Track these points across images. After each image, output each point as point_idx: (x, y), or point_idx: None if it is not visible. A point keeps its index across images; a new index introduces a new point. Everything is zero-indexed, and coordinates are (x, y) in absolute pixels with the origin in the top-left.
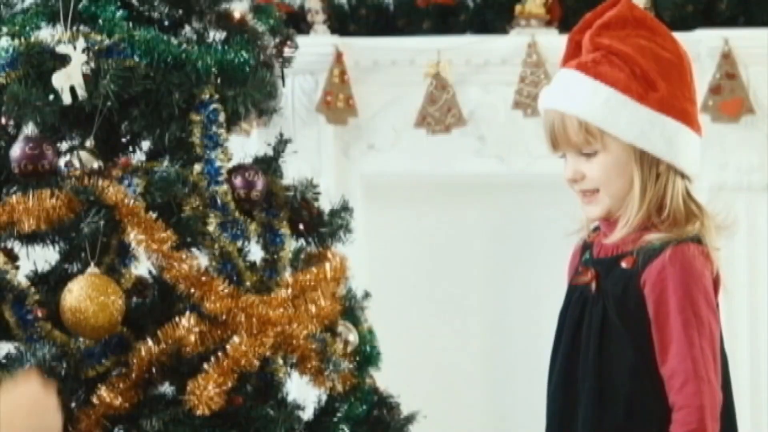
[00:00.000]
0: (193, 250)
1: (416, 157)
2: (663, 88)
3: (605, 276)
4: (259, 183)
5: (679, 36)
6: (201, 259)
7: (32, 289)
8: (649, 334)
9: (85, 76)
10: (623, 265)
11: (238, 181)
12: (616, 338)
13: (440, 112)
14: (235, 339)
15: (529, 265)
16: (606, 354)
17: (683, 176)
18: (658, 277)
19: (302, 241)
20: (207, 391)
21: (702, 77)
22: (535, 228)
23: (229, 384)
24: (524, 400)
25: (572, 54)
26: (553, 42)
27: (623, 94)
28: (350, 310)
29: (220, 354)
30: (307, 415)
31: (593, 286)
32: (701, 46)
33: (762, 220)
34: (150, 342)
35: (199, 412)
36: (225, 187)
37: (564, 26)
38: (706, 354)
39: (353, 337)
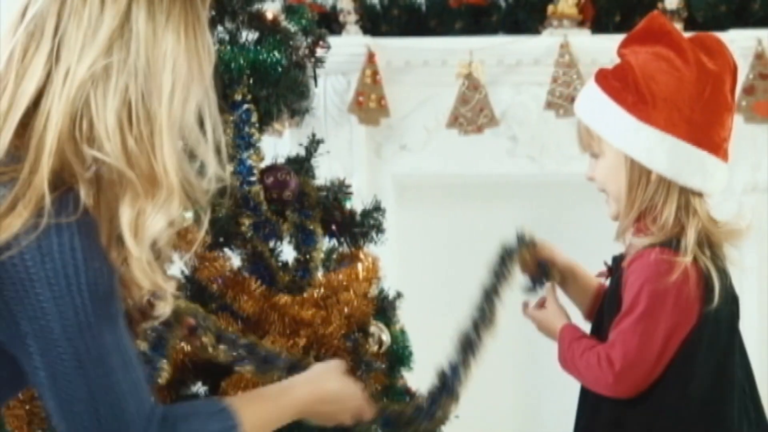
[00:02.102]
0: (226, 250)
1: (448, 158)
2: (655, 102)
3: (614, 274)
4: (292, 183)
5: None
6: (234, 260)
7: None
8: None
9: None
10: (623, 264)
11: (270, 181)
12: (603, 331)
13: (472, 112)
14: (268, 339)
15: None
16: (602, 336)
17: (688, 190)
18: (628, 275)
19: (334, 241)
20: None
21: None
22: (567, 228)
23: (262, 384)
24: (556, 400)
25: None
26: (586, 42)
27: (616, 103)
28: (382, 310)
29: None
30: None
31: (606, 283)
32: (734, 46)
33: None
34: (183, 342)
35: None
36: (257, 187)
37: (596, 26)
38: (633, 347)
39: (386, 337)
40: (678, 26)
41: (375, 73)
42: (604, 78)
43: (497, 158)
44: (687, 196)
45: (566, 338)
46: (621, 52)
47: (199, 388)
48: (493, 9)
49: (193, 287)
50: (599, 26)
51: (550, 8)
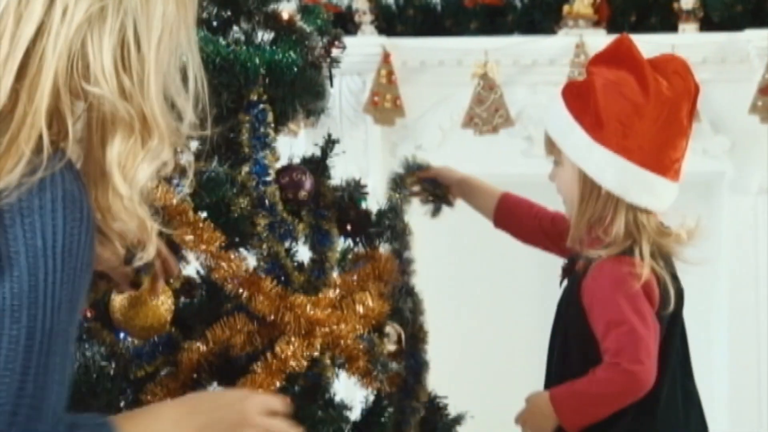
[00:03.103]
0: (241, 250)
1: (463, 158)
2: (609, 125)
3: (568, 277)
4: (307, 183)
5: (728, 36)
6: (249, 260)
7: None
8: (581, 328)
9: None
10: (577, 267)
11: (285, 181)
12: (564, 328)
13: (488, 112)
14: (284, 339)
15: None
16: (561, 342)
17: (635, 207)
18: (589, 287)
19: (350, 241)
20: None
21: (751, 77)
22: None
23: (277, 384)
24: None
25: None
26: (601, 42)
27: (576, 122)
28: (398, 310)
29: (268, 355)
30: (354, 415)
31: (562, 283)
32: (750, 46)
33: None
34: (198, 342)
35: None
36: (273, 187)
37: (612, 26)
38: (621, 343)
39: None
40: (693, 26)
41: (390, 73)
42: (569, 94)
43: (512, 158)
44: (635, 213)
45: (563, 394)
46: (589, 70)
47: (214, 387)
48: (509, 9)
49: (209, 287)
50: (615, 26)
51: (566, 8)
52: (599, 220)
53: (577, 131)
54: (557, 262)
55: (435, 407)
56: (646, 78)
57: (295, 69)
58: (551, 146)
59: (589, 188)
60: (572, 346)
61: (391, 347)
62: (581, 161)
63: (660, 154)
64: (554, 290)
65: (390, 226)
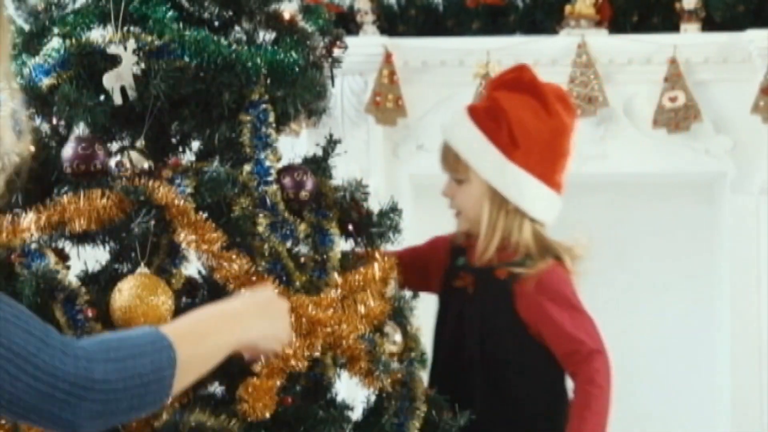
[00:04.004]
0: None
1: None
2: (523, 146)
3: (483, 283)
4: (309, 183)
5: (730, 36)
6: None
7: (83, 289)
8: (516, 329)
9: (135, 76)
10: (497, 275)
11: (287, 181)
12: (492, 332)
13: None
14: None
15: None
16: (487, 344)
17: (532, 219)
18: (536, 289)
19: (351, 241)
20: (258, 398)
21: (753, 77)
22: (582, 228)
23: (279, 384)
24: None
25: (481, 97)
26: (603, 42)
27: (491, 143)
28: (399, 310)
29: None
30: (355, 415)
31: (470, 289)
32: (752, 46)
33: None
34: None
35: (250, 418)
36: (275, 187)
37: (614, 26)
38: (589, 331)
39: (399, 337)
40: (695, 26)
41: (392, 73)
42: (477, 114)
43: None
44: (534, 226)
45: (579, 415)
46: (494, 95)
47: (216, 387)
48: (511, 9)
49: (210, 287)
50: (617, 26)
51: (568, 8)
52: (509, 234)
53: (492, 151)
54: None
55: (436, 407)
56: (549, 104)
57: (297, 69)
58: (455, 164)
59: (497, 204)
60: (506, 350)
61: (391, 347)
62: (494, 179)
63: (557, 173)
64: None
65: (392, 226)
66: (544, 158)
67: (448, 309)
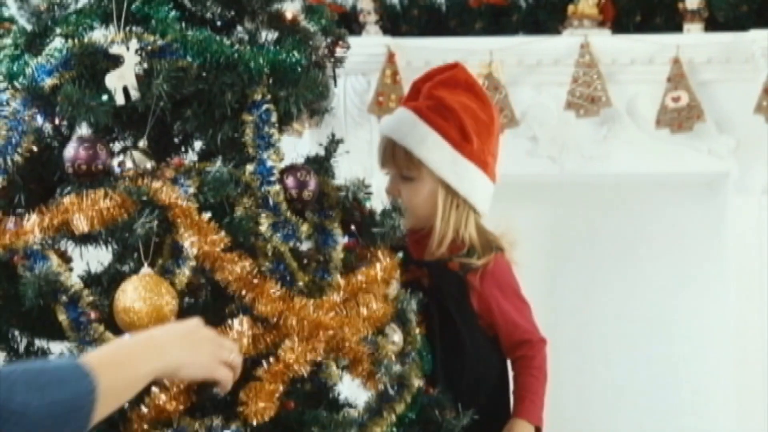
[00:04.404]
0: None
1: None
2: (475, 141)
3: (437, 276)
4: (311, 183)
5: (733, 36)
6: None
7: (86, 291)
8: (471, 319)
9: (138, 76)
10: (450, 267)
11: (289, 181)
12: (451, 322)
13: None
14: (287, 343)
15: (581, 264)
16: (446, 334)
17: (475, 211)
18: (487, 280)
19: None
20: (260, 402)
21: (756, 77)
22: (586, 228)
23: (281, 389)
24: (577, 395)
25: (412, 96)
26: (606, 42)
27: (444, 139)
28: (401, 312)
29: (272, 359)
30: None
31: (425, 281)
32: (755, 46)
33: None
34: None
35: (252, 422)
36: (277, 187)
37: (616, 26)
38: (532, 320)
39: (398, 338)
40: (699, 26)
41: (395, 73)
42: (424, 113)
43: (517, 159)
44: (477, 218)
45: (532, 408)
46: (436, 94)
47: (217, 389)
48: (513, 9)
49: (213, 288)
50: (619, 26)
51: (571, 8)
52: (458, 228)
53: (445, 147)
54: (565, 258)
55: (438, 407)
56: (484, 101)
57: (299, 69)
58: (406, 162)
59: (450, 199)
60: (462, 338)
61: (391, 347)
62: (448, 175)
63: (494, 165)
64: (558, 292)
65: (394, 226)
66: (487, 151)
67: None
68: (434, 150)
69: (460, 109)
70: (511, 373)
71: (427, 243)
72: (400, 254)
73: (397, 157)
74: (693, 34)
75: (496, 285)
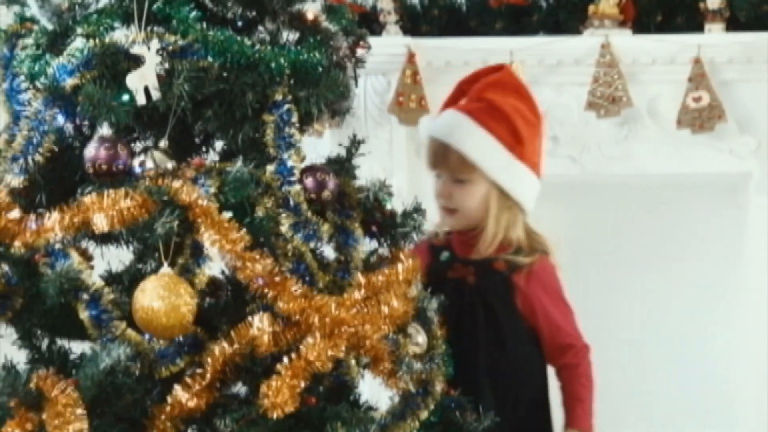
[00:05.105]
0: (266, 250)
1: None
2: (526, 143)
3: (483, 274)
4: (330, 183)
5: (755, 36)
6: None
7: (107, 289)
8: (516, 319)
9: (159, 76)
10: (495, 267)
11: (309, 181)
12: (497, 320)
13: None
14: (309, 340)
15: (601, 264)
16: (493, 332)
17: (523, 212)
18: (533, 282)
19: (374, 242)
20: (280, 395)
21: None
22: (607, 228)
23: (302, 385)
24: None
25: (455, 97)
26: (627, 42)
27: (498, 142)
28: (422, 311)
29: (293, 355)
30: (379, 415)
31: (470, 280)
32: None
33: None
34: (224, 342)
35: (272, 415)
36: (298, 187)
37: (637, 26)
38: (575, 325)
39: (422, 339)
40: (720, 26)
41: (415, 73)
42: (478, 114)
43: None
44: (524, 217)
45: (584, 416)
46: (486, 97)
47: (239, 388)
48: (534, 9)
49: (234, 288)
50: (640, 26)
51: (591, 8)
52: (509, 229)
53: (499, 150)
54: (585, 258)
55: (460, 409)
56: (532, 102)
57: (320, 69)
58: (460, 164)
59: (503, 202)
60: (506, 338)
61: (414, 348)
62: (500, 177)
63: (542, 164)
64: (579, 292)
65: (415, 226)
66: (536, 151)
67: (445, 299)
68: (489, 153)
69: (511, 112)
70: (556, 382)
71: (475, 243)
72: (446, 254)
73: (450, 160)
74: (714, 34)
75: (540, 286)
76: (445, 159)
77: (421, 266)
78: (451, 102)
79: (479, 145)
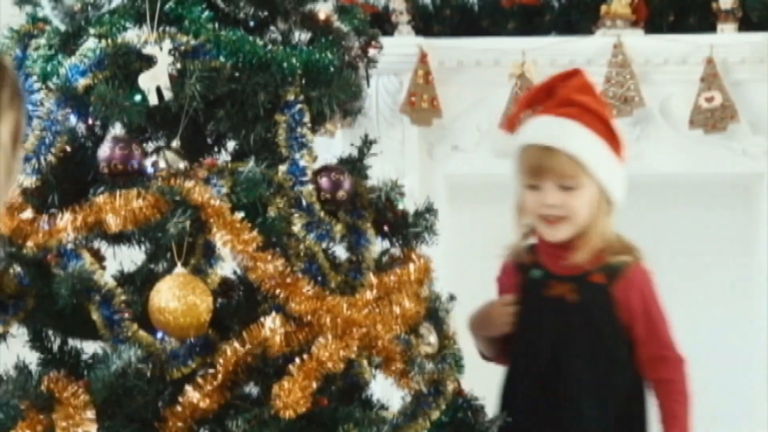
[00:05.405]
0: (278, 250)
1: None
2: (621, 142)
3: (583, 290)
4: (346, 183)
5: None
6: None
7: (119, 290)
8: (619, 334)
9: (171, 76)
10: (594, 280)
11: (324, 181)
12: (601, 339)
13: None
14: (321, 340)
15: None
16: (596, 352)
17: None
18: (633, 290)
19: (386, 242)
20: (292, 395)
21: None
22: (618, 228)
23: (314, 386)
24: None
25: (543, 96)
26: (639, 42)
27: (605, 143)
28: (434, 311)
29: (305, 356)
30: (391, 416)
31: (571, 297)
32: None
33: None
34: (235, 343)
35: (284, 416)
36: (310, 187)
37: (650, 26)
38: (671, 335)
39: (434, 339)
40: (732, 26)
41: (427, 73)
42: (580, 117)
43: None
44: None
45: (678, 426)
46: (578, 100)
47: (251, 388)
48: (546, 9)
49: (246, 288)
50: (653, 26)
51: (604, 8)
52: (605, 231)
53: (608, 153)
54: None
55: (471, 409)
56: (605, 101)
57: (332, 69)
58: (571, 170)
59: (605, 204)
60: (611, 355)
61: (426, 348)
62: (608, 181)
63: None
64: None
65: (427, 227)
66: (622, 146)
67: (541, 319)
68: (598, 154)
69: (606, 113)
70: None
71: (566, 255)
72: (537, 271)
73: (558, 166)
74: (726, 34)
75: (638, 295)
76: (551, 165)
77: (511, 286)
78: (533, 100)
79: (588, 146)
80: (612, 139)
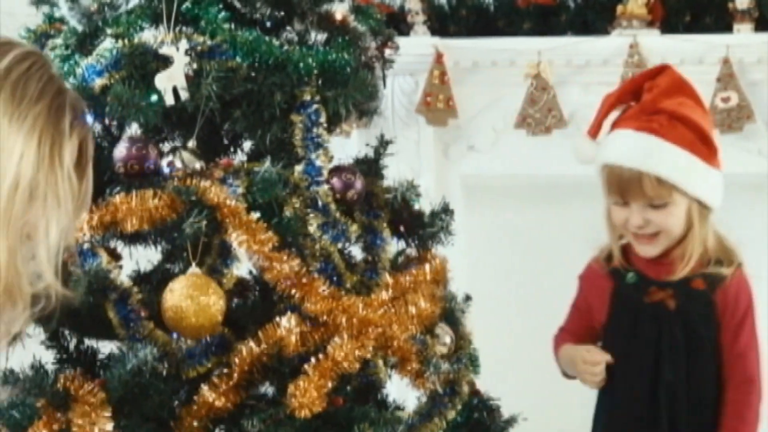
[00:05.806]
0: (294, 250)
1: (516, 158)
2: (714, 143)
3: (683, 296)
4: (357, 183)
5: None
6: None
7: (135, 289)
8: (718, 343)
9: (187, 77)
10: (694, 286)
11: (335, 181)
12: (700, 348)
13: (541, 113)
14: (336, 340)
15: None
16: (693, 362)
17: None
18: (735, 297)
19: (402, 242)
20: (308, 395)
21: None
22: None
23: (330, 386)
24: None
25: (629, 98)
26: (655, 43)
27: (693, 155)
28: (450, 311)
29: (320, 356)
30: (407, 415)
31: (671, 304)
32: None
33: None
34: (251, 342)
35: (300, 415)
36: (326, 187)
37: (666, 27)
38: (759, 359)
39: (450, 339)
40: (748, 26)
41: (443, 73)
42: (668, 132)
43: (565, 159)
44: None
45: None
46: (660, 107)
47: (267, 388)
48: (562, 9)
49: (261, 288)
50: (668, 26)
51: (619, 8)
52: (705, 238)
53: (697, 164)
54: None
55: (487, 409)
56: (698, 96)
57: (348, 69)
58: (659, 190)
59: (703, 213)
60: (709, 363)
61: (441, 348)
62: (702, 191)
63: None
64: None
65: (443, 227)
66: (719, 146)
67: (641, 328)
68: (688, 170)
69: (696, 117)
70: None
71: (665, 261)
72: (632, 275)
73: (647, 187)
74: (743, 34)
75: (735, 305)
76: (640, 188)
77: (599, 290)
78: (622, 97)
79: (678, 165)
80: (704, 143)
